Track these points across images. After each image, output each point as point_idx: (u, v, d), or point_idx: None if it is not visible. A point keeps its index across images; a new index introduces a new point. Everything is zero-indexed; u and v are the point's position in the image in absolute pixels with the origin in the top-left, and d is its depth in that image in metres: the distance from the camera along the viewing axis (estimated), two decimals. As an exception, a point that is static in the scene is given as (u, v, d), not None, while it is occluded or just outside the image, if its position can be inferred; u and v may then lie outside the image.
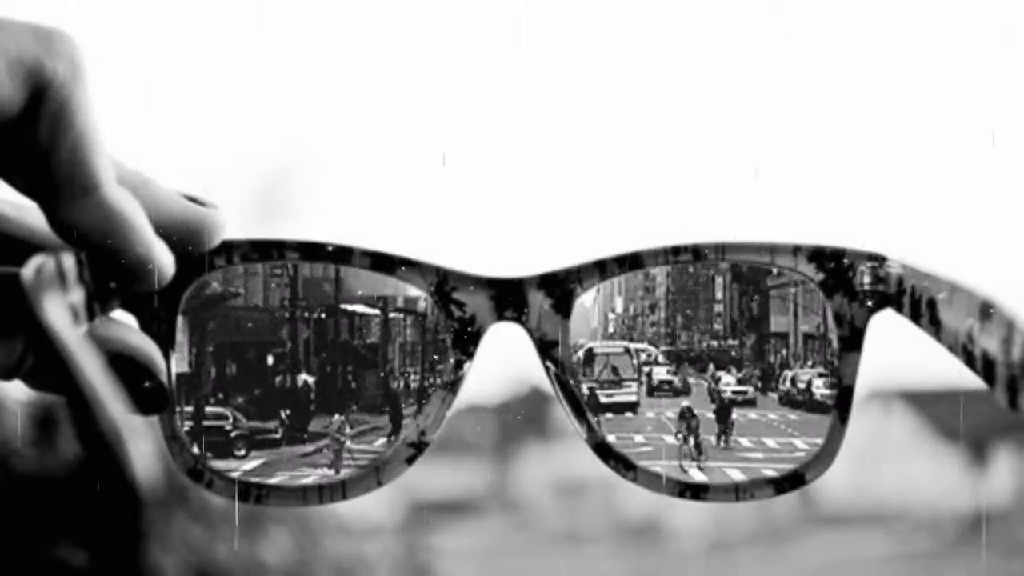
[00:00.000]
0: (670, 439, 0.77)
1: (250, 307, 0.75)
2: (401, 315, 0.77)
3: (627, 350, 0.79)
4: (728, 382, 0.78)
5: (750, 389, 0.78)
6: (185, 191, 0.68)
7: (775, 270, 0.75)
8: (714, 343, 0.78)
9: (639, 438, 0.76)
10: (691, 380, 0.79)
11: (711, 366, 0.78)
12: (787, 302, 0.76)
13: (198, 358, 0.74)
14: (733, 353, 0.78)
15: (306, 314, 0.76)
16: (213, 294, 0.74)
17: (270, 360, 0.76)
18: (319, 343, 0.76)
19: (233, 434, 0.75)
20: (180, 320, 0.72)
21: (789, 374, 0.77)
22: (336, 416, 0.76)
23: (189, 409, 0.74)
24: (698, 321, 0.78)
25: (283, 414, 0.76)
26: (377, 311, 0.77)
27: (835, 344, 0.75)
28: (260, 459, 0.75)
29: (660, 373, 0.80)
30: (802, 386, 0.77)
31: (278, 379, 0.76)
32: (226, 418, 0.75)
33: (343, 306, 0.76)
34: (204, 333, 0.74)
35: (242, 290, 0.75)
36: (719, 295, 0.77)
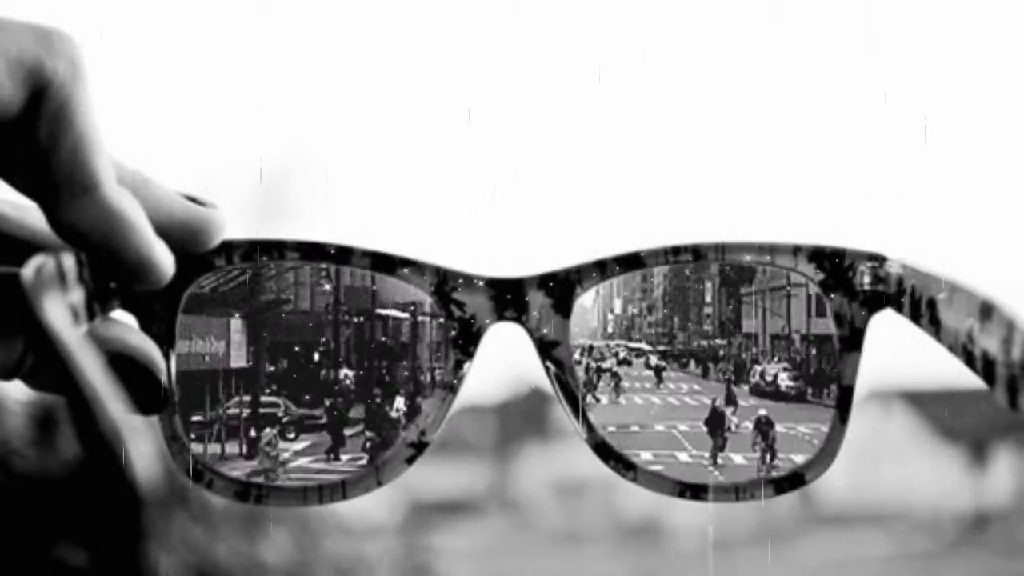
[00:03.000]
0: (683, 456, 0.77)
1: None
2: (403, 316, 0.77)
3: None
4: (781, 378, 0.79)
5: (664, 362, 0.79)
6: (185, 191, 0.68)
7: (762, 273, 0.76)
8: (704, 343, 0.79)
9: (646, 455, 0.76)
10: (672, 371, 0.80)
11: (752, 363, 0.79)
12: (757, 307, 0.78)
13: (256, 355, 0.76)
14: (721, 352, 0.79)
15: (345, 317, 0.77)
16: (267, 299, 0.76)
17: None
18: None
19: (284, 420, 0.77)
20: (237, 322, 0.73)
21: (758, 368, 0.79)
22: (267, 429, 0.77)
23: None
24: (690, 322, 0.80)
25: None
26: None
27: (835, 344, 0.75)
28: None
29: (652, 359, 0.80)
30: (769, 379, 0.79)
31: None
32: (278, 406, 0.77)
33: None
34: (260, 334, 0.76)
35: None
36: (708, 298, 0.78)
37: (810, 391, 0.75)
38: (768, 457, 0.75)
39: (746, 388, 0.78)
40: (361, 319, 0.77)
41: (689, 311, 0.79)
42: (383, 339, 0.78)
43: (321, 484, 0.75)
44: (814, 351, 0.76)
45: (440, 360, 0.75)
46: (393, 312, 0.77)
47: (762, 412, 0.76)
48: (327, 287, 0.76)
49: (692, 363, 0.78)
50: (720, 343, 0.79)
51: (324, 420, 0.77)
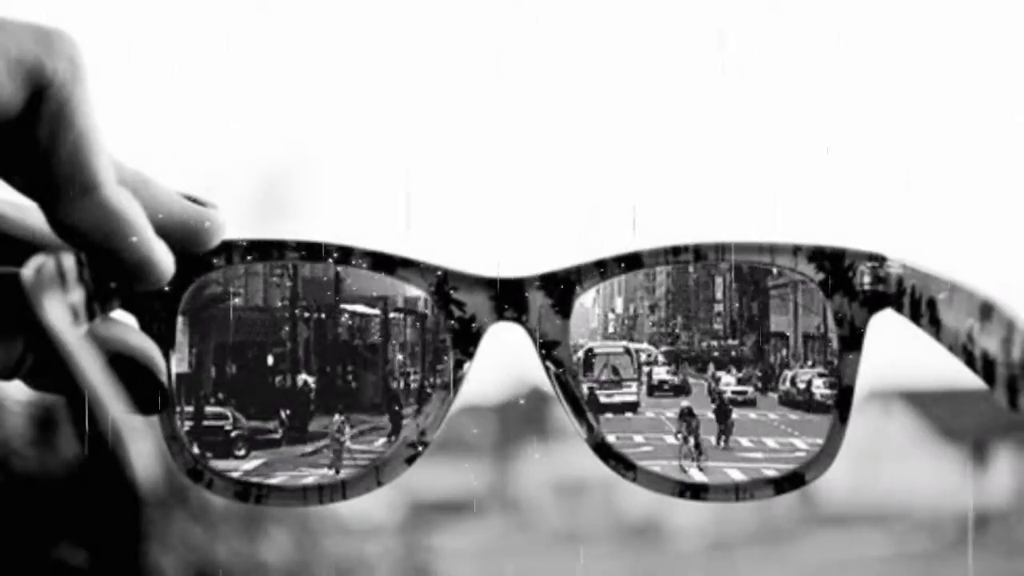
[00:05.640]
0: (670, 439, 0.77)
1: (250, 307, 0.76)
2: (401, 315, 0.77)
3: (627, 350, 0.79)
4: (728, 382, 0.78)
5: (750, 389, 0.78)
6: (185, 191, 0.68)
7: (775, 270, 0.75)
8: (714, 343, 0.78)
9: (638, 438, 0.76)
10: (691, 380, 0.79)
11: (711, 366, 0.78)
12: (787, 302, 0.76)
13: (198, 358, 0.74)
14: (733, 353, 0.78)
15: (306, 314, 0.76)
16: (213, 294, 0.74)
17: (270, 360, 0.76)
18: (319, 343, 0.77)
19: (233, 434, 0.75)
20: (180, 320, 0.72)
21: (789, 374, 0.77)
22: (336, 416, 0.76)
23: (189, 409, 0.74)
24: (698, 321, 0.79)
25: (283, 414, 0.76)
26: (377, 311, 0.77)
27: (835, 344, 0.75)
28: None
29: (660, 373, 0.79)
30: (802, 386, 0.77)
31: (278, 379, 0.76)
32: (226, 418, 0.75)
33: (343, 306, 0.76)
34: (204, 333, 0.74)
35: (242, 290, 0.75)
36: (719, 295, 0.77)
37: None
38: (694, 446, 0.74)
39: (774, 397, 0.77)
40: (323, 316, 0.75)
41: (698, 308, 0.77)
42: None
43: (321, 484, 0.75)
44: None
45: (418, 364, 0.75)
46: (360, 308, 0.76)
47: (684, 404, 0.76)
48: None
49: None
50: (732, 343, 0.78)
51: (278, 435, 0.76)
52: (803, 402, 0.76)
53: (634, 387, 0.78)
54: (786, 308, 0.76)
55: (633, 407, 0.78)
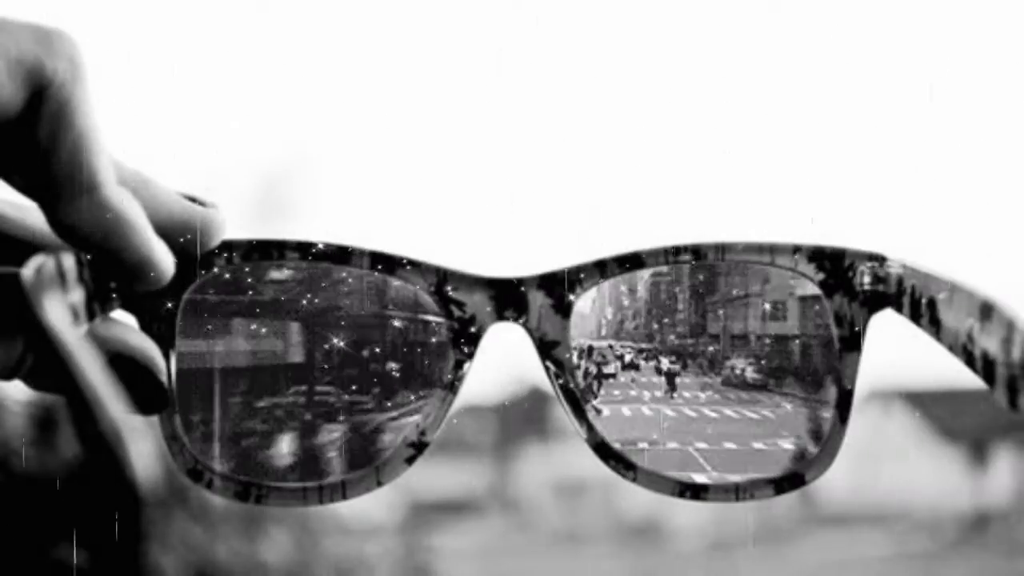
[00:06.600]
0: (646, 410, 0.78)
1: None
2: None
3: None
4: (664, 362, 0.79)
5: (678, 366, 0.79)
6: (185, 191, 0.68)
7: (736, 290, 0.77)
8: (675, 340, 0.80)
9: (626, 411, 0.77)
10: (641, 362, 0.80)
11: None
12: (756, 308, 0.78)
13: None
14: (690, 348, 0.80)
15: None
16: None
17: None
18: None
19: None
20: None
21: (729, 363, 0.80)
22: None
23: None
24: (665, 325, 0.80)
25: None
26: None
27: (835, 344, 0.75)
28: None
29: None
30: (738, 372, 0.79)
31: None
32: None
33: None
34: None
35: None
36: (680, 306, 0.79)
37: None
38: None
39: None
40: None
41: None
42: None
43: (321, 484, 0.75)
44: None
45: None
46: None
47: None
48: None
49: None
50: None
51: None
52: (739, 383, 0.78)
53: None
54: (756, 314, 0.78)
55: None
